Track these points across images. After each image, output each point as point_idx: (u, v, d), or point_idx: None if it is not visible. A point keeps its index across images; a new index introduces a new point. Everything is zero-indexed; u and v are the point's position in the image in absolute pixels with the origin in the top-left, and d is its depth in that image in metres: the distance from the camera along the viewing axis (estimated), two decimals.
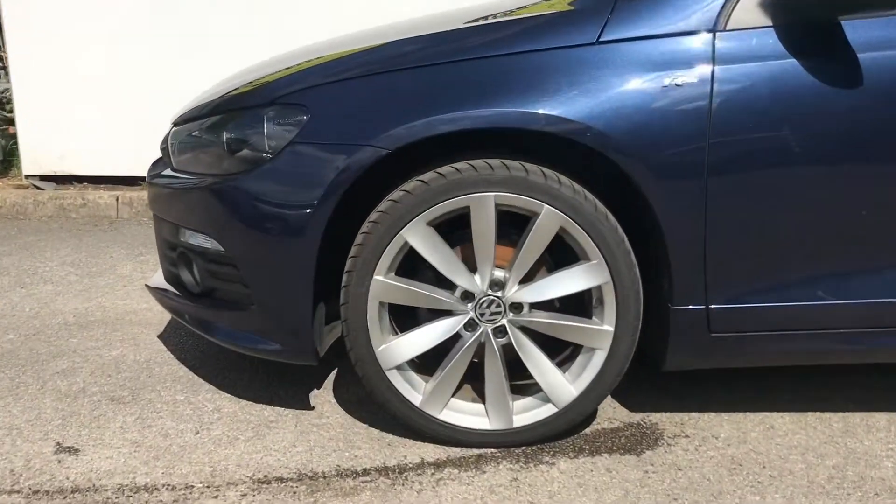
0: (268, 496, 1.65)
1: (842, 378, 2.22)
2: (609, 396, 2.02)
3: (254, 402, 2.09)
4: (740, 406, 2.07)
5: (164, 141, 2.17)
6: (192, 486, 1.68)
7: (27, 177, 4.75)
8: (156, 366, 2.33)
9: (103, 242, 3.86)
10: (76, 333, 2.59)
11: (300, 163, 1.77)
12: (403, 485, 1.71)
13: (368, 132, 1.72)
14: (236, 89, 1.99)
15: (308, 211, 1.74)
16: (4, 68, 4.94)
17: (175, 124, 2.14)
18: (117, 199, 4.40)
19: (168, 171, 2.12)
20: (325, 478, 1.73)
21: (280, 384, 2.20)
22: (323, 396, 2.13)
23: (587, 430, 1.95)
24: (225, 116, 1.94)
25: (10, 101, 4.86)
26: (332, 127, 1.77)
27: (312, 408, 2.06)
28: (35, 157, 4.71)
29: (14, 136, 4.84)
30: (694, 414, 2.03)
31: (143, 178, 4.53)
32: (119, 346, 2.48)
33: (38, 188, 4.65)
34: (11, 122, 4.88)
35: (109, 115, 4.64)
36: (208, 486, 1.69)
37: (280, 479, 1.72)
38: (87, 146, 4.68)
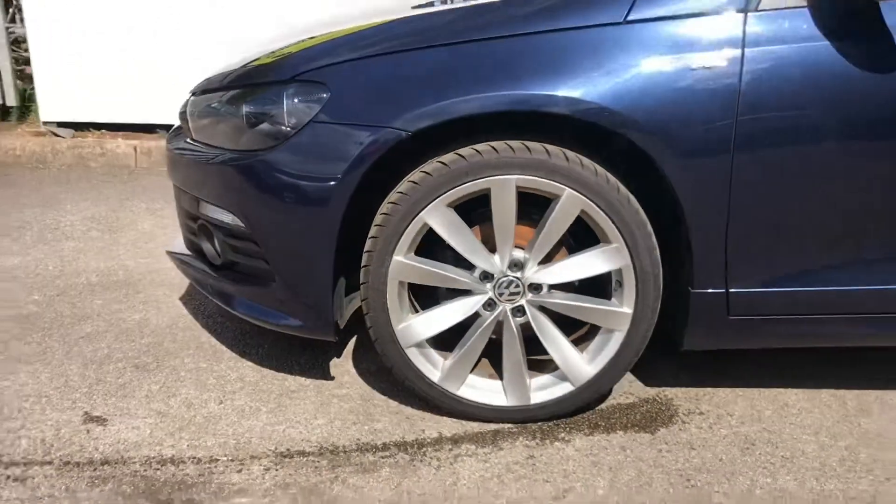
0: (290, 471, 1.70)
1: (859, 353, 2.22)
2: None
3: (275, 371, 2.13)
4: (755, 381, 2.09)
5: (183, 109, 2.16)
6: (217, 460, 1.74)
7: (45, 123, 4.74)
8: (178, 331, 2.37)
9: (123, 195, 3.88)
10: (100, 295, 2.64)
11: (322, 140, 1.75)
12: (422, 461, 1.75)
13: (388, 114, 1.70)
14: (257, 59, 1.96)
15: (331, 184, 1.73)
16: (18, 8, 4.87)
17: (193, 94, 2.12)
18: (135, 149, 4.41)
19: (187, 141, 2.11)
20: (345, 452, 1.78)
21: (301, 352, 2.23)
22: (343, 366, 2.17)
23: (603, 406, 1.98)
24: (245, 91, 1.92)
25: (24, 41, 4.82)
26: (352, 107, 1.74)
27: (332, 378, 2.10)
28: (52, 102, 4.69)
29: (31, 78, 4.82)
30: (709, 389, 2.05)
31: (159, 126, 4.56)
32: (142, 309, 2.52)
33: (56, 135, 4.65)
34: (27, 61, 4.84)
35: (125, 62, 4.59)
36: (232, 460, 1.74)
37: (302, 453, 1.77)
38: (103, 92, 4.66)
